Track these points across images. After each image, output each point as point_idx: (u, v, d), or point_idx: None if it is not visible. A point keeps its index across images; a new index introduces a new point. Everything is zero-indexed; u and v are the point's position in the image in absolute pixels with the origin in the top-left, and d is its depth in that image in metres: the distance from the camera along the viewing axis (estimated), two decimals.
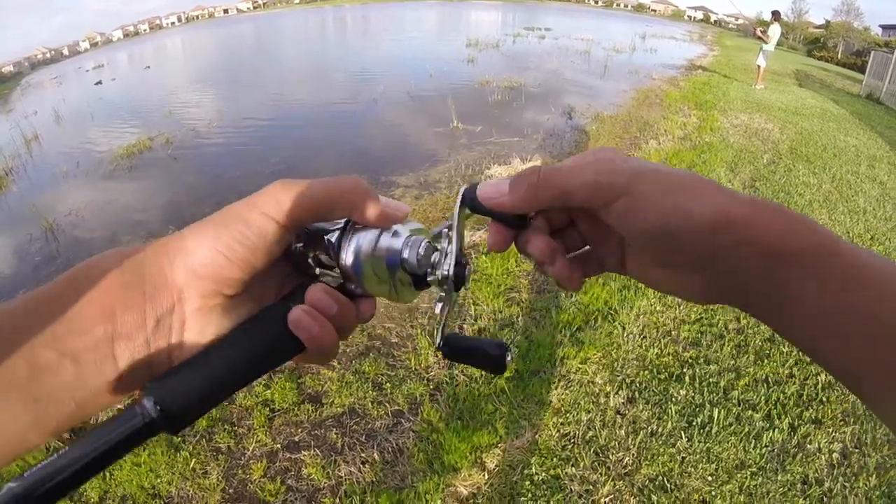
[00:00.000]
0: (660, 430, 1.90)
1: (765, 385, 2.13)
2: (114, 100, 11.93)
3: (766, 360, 2.26)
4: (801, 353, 2.27)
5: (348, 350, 2.29)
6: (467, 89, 8.92)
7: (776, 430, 1.90)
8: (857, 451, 1.85)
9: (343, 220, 0.32)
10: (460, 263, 0.33)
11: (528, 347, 2.28)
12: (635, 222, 0.29)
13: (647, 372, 2.17)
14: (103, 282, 0.27)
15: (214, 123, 7.69)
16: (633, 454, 1.80)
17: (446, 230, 0.33)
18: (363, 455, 1.82)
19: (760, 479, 1.73)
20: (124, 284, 0.27)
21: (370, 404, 2.01)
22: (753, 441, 1.86)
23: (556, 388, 2.08)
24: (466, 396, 2.02)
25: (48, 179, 6.16)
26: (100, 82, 16.03)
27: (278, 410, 2.01)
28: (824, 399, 2.06)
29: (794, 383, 2.13)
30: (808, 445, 1.86)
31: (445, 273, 0.32)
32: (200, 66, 18.83)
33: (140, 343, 0.27)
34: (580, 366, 2.19)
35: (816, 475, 1.75)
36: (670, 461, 1.78)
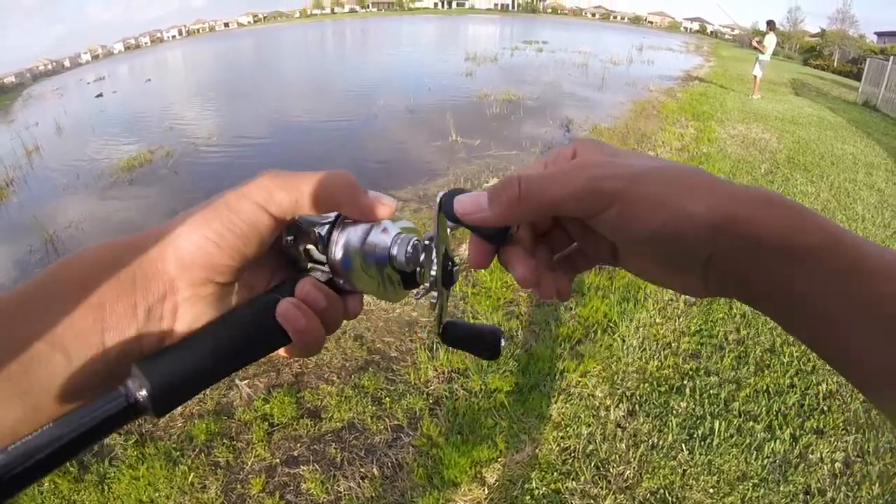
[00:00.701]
0: (661, 442, 1.89)
1: (766, 396, 2.12)
2: (115, 112, 12.03)
3: (766, 371, 2.26)
4: (801, 364, 2.27)
5: (347, 364, 2.29)
6: (466, 103, 8.99)
7: (778, 440, 1.90)
8: (859, 459, 1.84)
9: (334, 214, 0.32)
10: (447, 266, 0.33)
11: (527, 361, 2.27)
12: (628, 231, 0.27)
13: (647, 384, 2.16)
14: (92, 273, 0.27)
15: (214, 137, 7.74)
16: (634, 467, 1.79)
17: (430, 240, 0.33)
18: (362, 470, 1.81)
19: (762, 490, 1.72)
20: (114, 275, 0.27)
21: (369, 419, 2.00)
22: (755, 452, 1.85)
23: (556, 402, 2.07)
24: (466, 411, 2.01)
25: (49, 191, 6.18)
26: (101, 94, 16.20)
27: (277, 425, 2.00)
28: (826, 408, 2.06)
29: (796, 393, 2.13)
30: (810, 455, 1.85)
31: (433, 275, 0.33)
32: (201, 79, 19.02)
33: (131, 333, 0.27)
34: (580, 379, 2.19)
35: (819, 485, 1.74)
36: (671, 474, 1.77)
